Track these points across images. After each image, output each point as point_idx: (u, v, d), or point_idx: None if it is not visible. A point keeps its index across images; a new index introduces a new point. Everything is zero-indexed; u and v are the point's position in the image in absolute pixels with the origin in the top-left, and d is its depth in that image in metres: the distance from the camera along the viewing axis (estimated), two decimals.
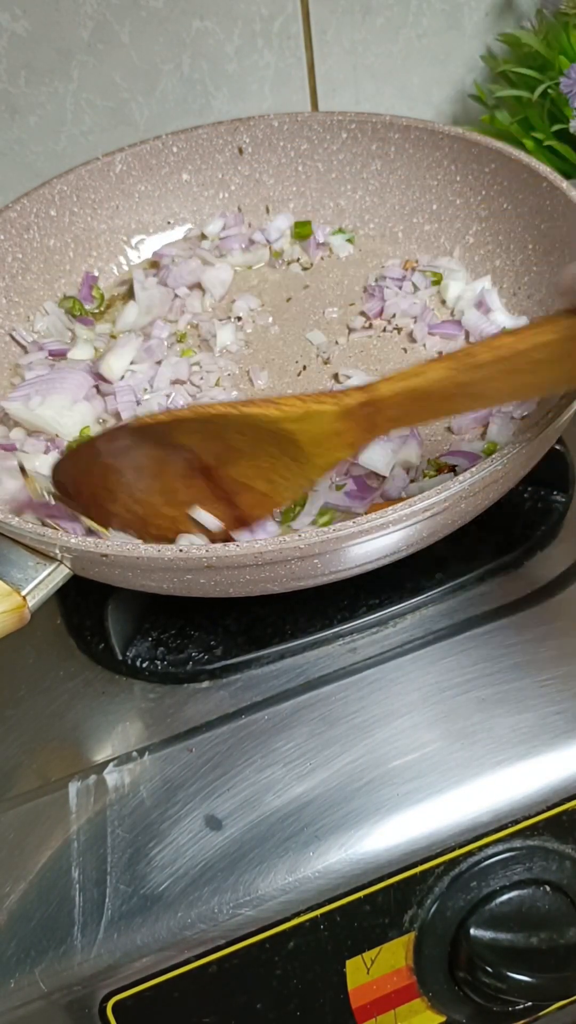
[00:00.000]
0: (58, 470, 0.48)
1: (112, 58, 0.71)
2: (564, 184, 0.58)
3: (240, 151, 0.68)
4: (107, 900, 0.43)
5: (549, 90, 0.71)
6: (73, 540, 0.42)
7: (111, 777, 0.47)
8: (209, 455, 0.44)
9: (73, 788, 0.47)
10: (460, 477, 0.42)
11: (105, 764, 0.47)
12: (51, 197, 0.64)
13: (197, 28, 0.71)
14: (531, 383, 0.40)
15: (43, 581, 0.44)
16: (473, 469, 0.42)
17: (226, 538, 0.47)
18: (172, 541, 0.47)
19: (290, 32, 0.73)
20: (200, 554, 0.41)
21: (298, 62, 0.75)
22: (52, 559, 0.45)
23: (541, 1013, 0.48)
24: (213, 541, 0.47)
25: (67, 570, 0.45)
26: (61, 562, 0.45)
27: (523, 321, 0.59)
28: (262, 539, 0.41)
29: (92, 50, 0.70)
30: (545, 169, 0.59)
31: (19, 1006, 0.41)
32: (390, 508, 0.41)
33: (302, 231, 0.68)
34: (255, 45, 0.73)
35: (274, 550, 0.40)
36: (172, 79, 0.73)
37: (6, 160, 0.74)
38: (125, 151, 0.66)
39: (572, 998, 0.46)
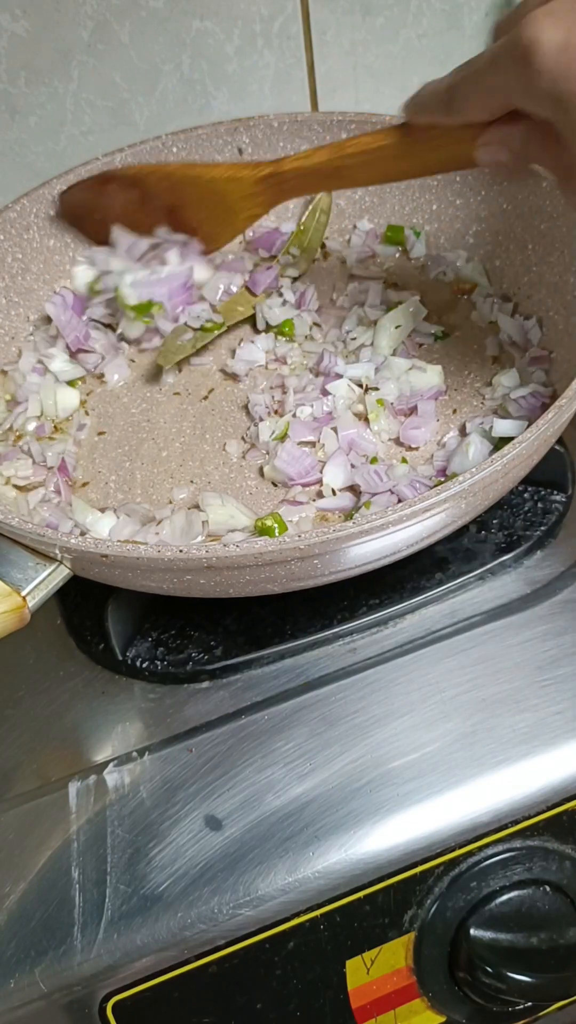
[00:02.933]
0: (65, 196, 0.64)
1: (112, 58, 0.71)
2: None
3: (240, 151, 0.68)
4: (107, 900, 0.43)
5: None
6: (73, 541, 0.42)
7: (111, 777, 0.47)
8: (173, 198, 0.62)
9: (73, 788, 0.47)
10: (460, 477, 0.42)
11: (105, 764, 0.47)
12: (51, 197, 0.64)
13: (197, 28, 0.71)
14: (383, 173, 0.54)
15: (43, 581, 0.44)
16: (473, 469, 0.42)
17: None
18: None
19: (290, 32, 0.73)
20: (200, 555, 0.40)
21: (298, 62, 0.75)
22: (52, 559, 0.45)
23: (541, 1013, 0.48)
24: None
25: (67, 570, 0.45)
26: (61, 562, 0.45)
27: (532, 324, 0.59)
28: (262, 540, 0.41)
29: (92, 50, 0.70)
30: (545, 169, 0.59)
31: (19, 1006, 0.41)
32: (390, 508, 0.41)
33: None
34: (255, 45, 0.73)
35: (274, 550, 0.40)
36: (172, 79, 0.73)
37: (6, 160, 0.74)
38: (125, 151, 0.66)
39: (572, 998, 0.46)
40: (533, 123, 0.43)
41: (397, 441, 0.56)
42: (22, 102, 0.71)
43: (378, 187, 0.69)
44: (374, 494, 0.52)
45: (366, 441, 0.55)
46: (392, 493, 0.52)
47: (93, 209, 0.64)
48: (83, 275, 0.65)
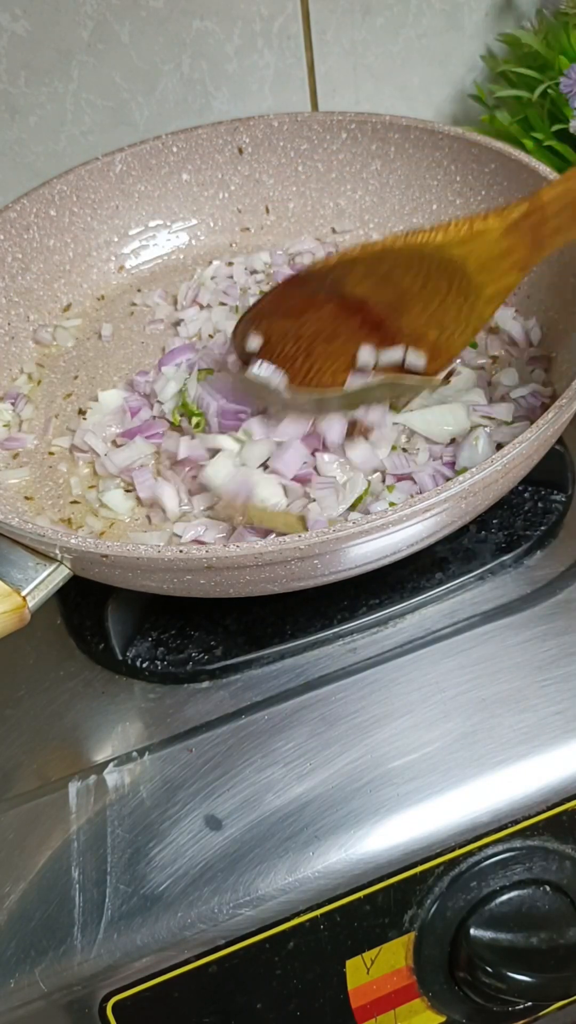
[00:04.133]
0: (241, 325, 0.49)
1: (112, 58, 0.71)
2: None
3: (240, 151, 0.68)
4: (107, 900, 0.43)
5: (549, 90, 0.70)
6: (73, 540, 0.42)
7: (111, 777, 0.47)
8: (381, 304, 0.43)
9: (73, 788, 0.47)
10: (460, 477, 0.42)
11: (105, 764, 0.47)
12: (51, 197, 0.64)
13: (197, 28, 0.71)
14: None
15: (43, 581, 0.44)
16: (473, 469, 0.42)
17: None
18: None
19: (290, 32, 0.73)
20: (200, 555, 0.41)
21: (298, 62, 0.75)
22: (52, 559, 0.45)
23: (541, 1013, 0.48)
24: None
25: (67, 570, 0.45)
26: (61, 562, 0.45)
27: (532, 324, 0.59)
28: (262, 540, 0.41)
29: (92, 50, 0.70)
30: (545, 169, 0.59)
31: (19, 1006, 0.41)
32: (390, 508, 0.41)
33: None
34: (255, 45, 0.73)
35: (274, 551, 0.40)
36: (172, 79, 0.73)
37: (6, 160, 0.74)
38: (125, 151, 0.66)
39: (572, 998, 0.46)
40: None
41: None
42: (22, 102, 0.71)
43: (377, 186, 0.69)
44: (399, 477, 0.52)
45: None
46: (414, 482, 0.52)
47: (279, 332, 0.47)
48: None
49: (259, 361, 0.48)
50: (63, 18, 0.68)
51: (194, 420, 0.55)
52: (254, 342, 0.48)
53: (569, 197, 0.40)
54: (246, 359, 0.49)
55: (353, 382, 0.47)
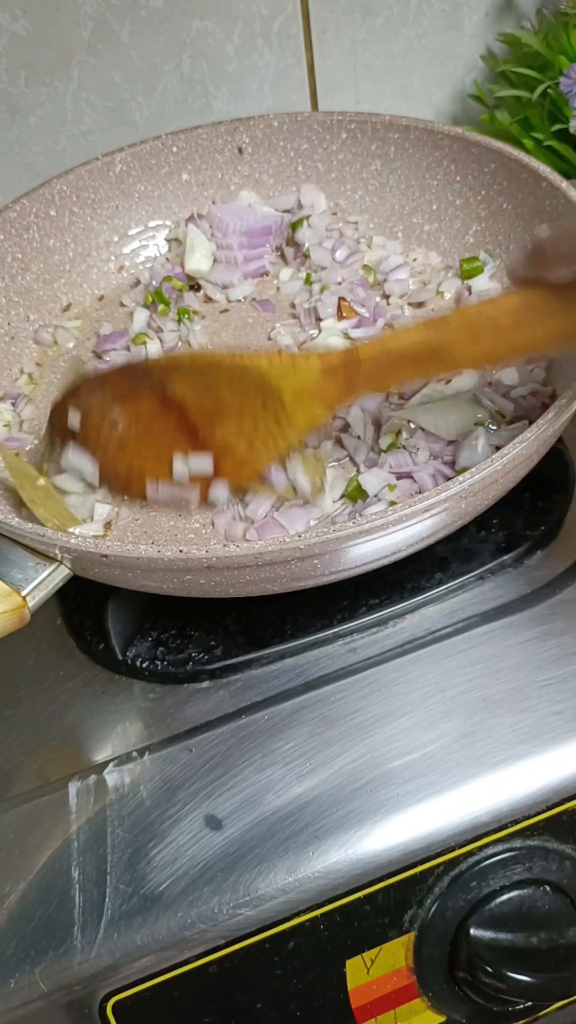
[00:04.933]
0: (60, 405, 0.49)
1: (112, 58, 0.71)
2: (564, 184, 0.58)
3: (240, 151, 0.68)
4: (107, 900, 0.43)
5: (549, 90, 0.71)
6: (73, 540, 0.42)
7: (111, 777, 0.47)
8: (199, 412, 0.46)
9: (73, 788, 0.47)
10: (460, 477, 0.42)
11: (105, 764, 0.47)
12: (51, 197, 0.64)
13: (197, 28, 0.71)
14: (495, 349, 0.43)
15: (43, 581, 0.44)
16: (473, 469, 0.42)
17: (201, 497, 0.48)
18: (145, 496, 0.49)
19: (290, 32, 0.73)
20: (200, 555, 0.41)
21: (298, 62, 0.75)
22: (52, 559, 0.45)
23: (541, 1013, 0.48)
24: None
25: (67, 570, 0.45)
26: (61, 562, 0.45)
27: None
28: (262, 540, 0.41)
29: (92, 50, 0.70)
30: (545, 169, 0.59)
31: (19, 1006, 0.41)
32: (390, 508, 0.41)
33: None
34: (255, 45, 0.73)
35: (274, 551, 0.40)
36: (172, 79, 0.73)
37: (6, 160, 0.74)
38: (125, 151, 0.66)
39: (572, 998, 0.46)
40: None
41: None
42: (22, 102, 0.71)
43: (377, 186, 0.69)
44: (399, 475, 0.52)
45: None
46: (414, 481, 0.52)
47: (86, 439, 0.49)
48: None
49: (72, 446, 0.49)
50: (63, 18, 0.68)
51: None
52: (74, 419, 0.49)
53: (382, 359, 0.44)
54: (64, 438, 0.50)
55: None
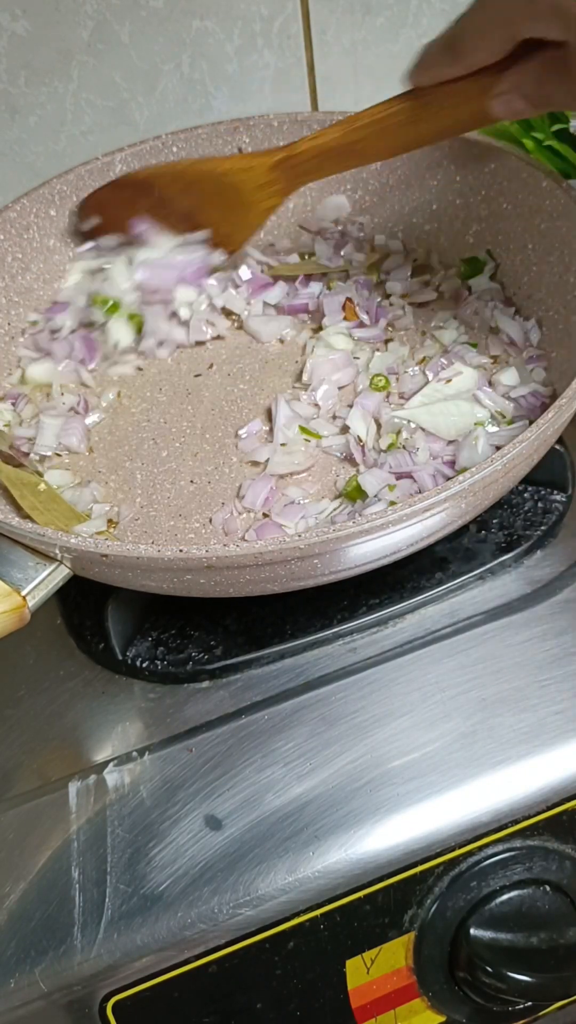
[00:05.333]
0: (82, 207, 0.64)
1: (112, 58, 0.71)
2: (564, 184, 0.58)
3: (240, 151, 0.68)
4: (107, 900, 0.43)
5: None
6: (73, 540, 0.42)
7: (111, 777, 0.47)
8: (188, 199, 0.60)
9: (73, 788, 0.47)
10: (460, 477, 0.42)
11: (105, 764, 0.47)
12: (51, 197, 0.64)
13: (197, 28, 0.71)
14: (399, 142, 0.54)
15: (43, 581, 0.44)
16: (473, 469, 0.42)
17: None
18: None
19: (290, 32, 0.73)
20: (200, 554, 0.40)
21: (298, 62, 0.75)
22: (52, 559, 0.45)
23: (541, 1013, 0.48)
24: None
25: (67, 570, 0.45)
26: (61, 562, 0.45)
27: (531, 324, 0.59)
28: (262, 540, 0.41)
29: (92, 50, 0.70)
30: (545, 169, 0.59)
31: (19, 1006, 0.41)
32: (390, 508, 0.41)
33: None
34: (255, 45, 0.73)
35: (274, 550, 0.40)
36: (172, 79, 0.73)
37: (6, 160, 0.74)
38: (125, 151, 0.66)
39: (572, 998, 0.46)
40: (543, 58, 0.42)
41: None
42: (22, 102, 0.71)
43: (377, 187, 0.69)
44: (399, 475, 0.52)
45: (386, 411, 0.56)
46: (414, 480, 0.52)
47: (112, 220, 0.63)
48: (80, 269, 0.65)
49: (90, 243, 0.65)
50: (63, 18, 0.68)
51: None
52: (92, 222, 0.64)
53: (315, 151, 0.56)
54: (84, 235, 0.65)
55: None
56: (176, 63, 0.73)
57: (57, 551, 0.44)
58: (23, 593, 0.44)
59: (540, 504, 0.56)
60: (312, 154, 0.56)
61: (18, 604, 0.43)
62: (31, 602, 0.44)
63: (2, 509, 0.44)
